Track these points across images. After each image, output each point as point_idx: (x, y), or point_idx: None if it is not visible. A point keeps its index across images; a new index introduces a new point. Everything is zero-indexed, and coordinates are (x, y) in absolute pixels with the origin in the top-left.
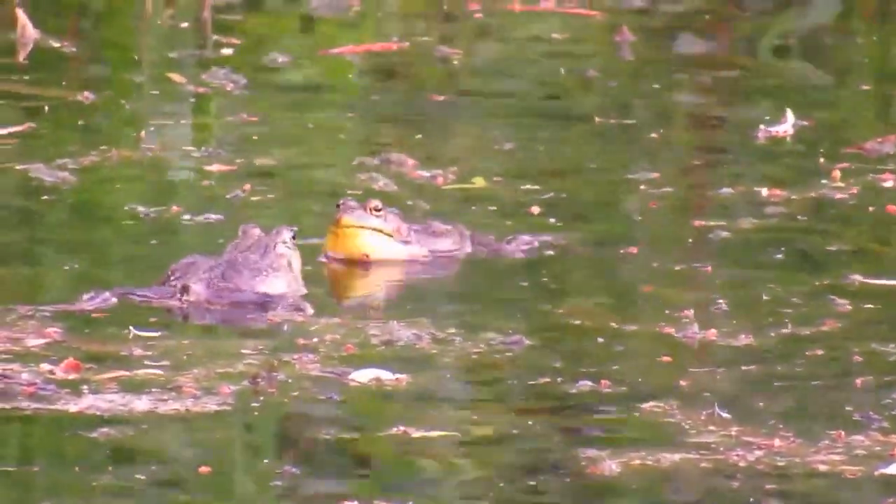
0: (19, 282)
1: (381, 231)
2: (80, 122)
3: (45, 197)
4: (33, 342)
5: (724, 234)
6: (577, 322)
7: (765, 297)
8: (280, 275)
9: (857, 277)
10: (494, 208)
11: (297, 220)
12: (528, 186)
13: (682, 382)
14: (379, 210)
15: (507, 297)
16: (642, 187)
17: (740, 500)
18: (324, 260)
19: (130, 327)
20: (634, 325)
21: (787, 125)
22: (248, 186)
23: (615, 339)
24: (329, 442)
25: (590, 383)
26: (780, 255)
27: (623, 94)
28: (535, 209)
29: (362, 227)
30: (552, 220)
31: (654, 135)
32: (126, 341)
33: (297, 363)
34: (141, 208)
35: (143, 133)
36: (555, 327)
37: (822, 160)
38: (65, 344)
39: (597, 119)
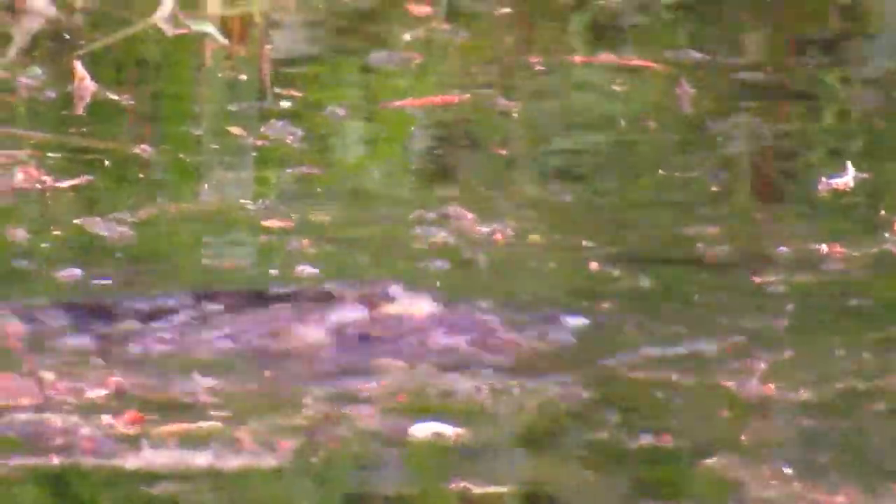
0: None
1: None
2: (137, 175)
3: (103, 250)
4: (94, 392)
5: (783, 288)
6: (637, 376)
7: (825, 352)
8: None
9: None
10: (554, 265)
11: (353, 274)
12: (587, 243)
13: (743, 437)
14: None
15: (566, 350)
16: (704, 241)
17: None
18: None
19: (194, 373)
20: (694, 379)
21: (848, 177)
22: (306, 241)
23: (675, 393)
24: (389, 497)
25: (650, 437)
26: (839, 310)
27: (683, 146)
28: (594, 265)
29: None
30: (616, 273)
31: (714, 188)
32: (188, 389)
33: (356, 416)
34: (199, 262)
35: (201, 186)
36: (614, 381)
37: (882, 213)
38: (127, 393)
39: (659, 171)
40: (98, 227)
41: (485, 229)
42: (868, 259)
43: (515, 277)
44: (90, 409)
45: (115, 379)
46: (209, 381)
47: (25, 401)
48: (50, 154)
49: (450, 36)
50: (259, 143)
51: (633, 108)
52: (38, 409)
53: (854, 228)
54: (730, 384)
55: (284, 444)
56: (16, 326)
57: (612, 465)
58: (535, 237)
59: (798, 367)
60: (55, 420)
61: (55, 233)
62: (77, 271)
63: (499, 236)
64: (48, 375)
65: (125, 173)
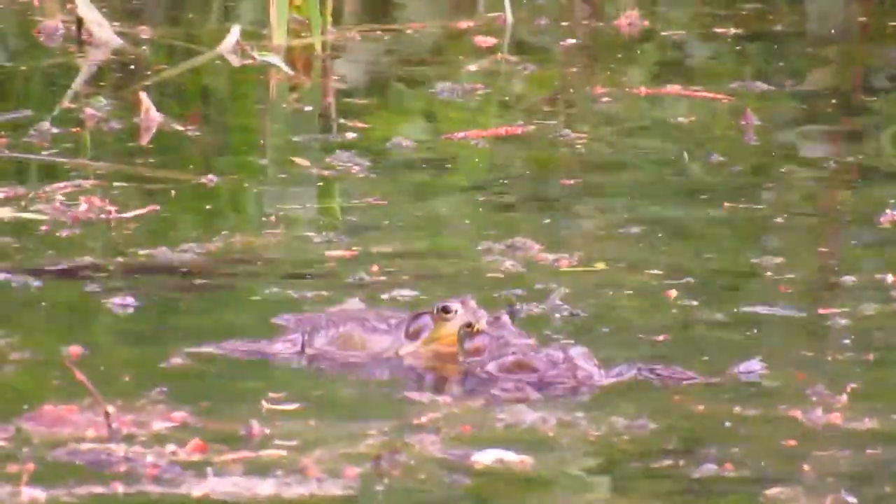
0: (146, 366)
1: None
2: (203, 206)
3: (169, 280)
4: (160, 425)
5: (848, 319)
6: (701, 407)
7: (890, 383)
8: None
9: None
10: (631, 292)
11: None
12: (655, 271)
13: (807, 466)
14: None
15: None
16: (769, 273)
17: None
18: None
19: (263, 402)
20: (758, 409)
21: None
22: (375, 267)
23: (739, 424)
24: None
25: (714, 467)
26: None
27: (749, 178)
28: (673, 293)
29: None
30: (688, 303)
31: (779, 220)
32: (253, 419)
33: (419, 444)
34: (265, 291)
35: (267, 217)
36: (678, 412)
37: None
38: (192, 426)
39: (726, 204)
40: (165, 256)
41: (551, 257)
42: None
43: (599, 311)
44: (155, 441)
45: (180, 413)
46: (275, 406)
47: (91, 433)
48: (116, 184)
49: (514, 67)
50: (325, 173)
51: (699, 139)
52: (104, 440)
53: None
54: (794, 415)
55: (350, 471)
56: (77, 349)
57: (675, 494)
58: (600, 265)
59: (863, 397)
60: (119, 450)
61: (120, 260)
62: (130, 299)
63: (564, 264)
64: (112, 409)
65: (191, 203)
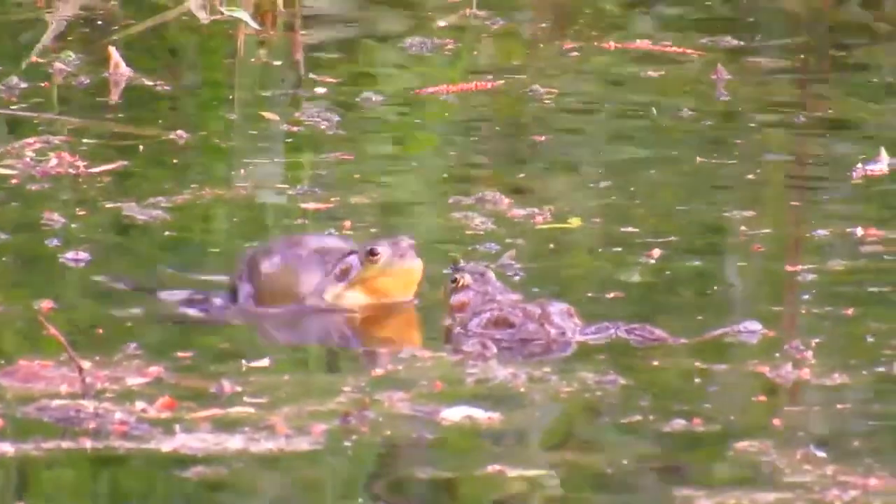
0: (118, 321)
1: None
2: (172, 161)
3: (138, 235)
4: (133, 381)
5: (819, 274)
6: (670, 363)
7: (859, 337)
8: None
9: None
10: (620, 249)
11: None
12: (630, 228)
13: (776, 421)
14: None
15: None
16: (742, 227)
17: None
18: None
19: (243, 361)
20: (727, 364)
21: (883, 164)
22: (347, 223)
23: (708, 379)
24: (423, 481)
25: (683, 422)
26: (875, 296)
27: (719, 133)
28: (657, 251)
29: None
30: (658, 259)
31: (751, 175)
32: (224, 378)
33: (388, 401)
34: (234, 245)
35: (236, 171)
36: (647, 368)
37: None
38: (165, 381)
39: (698, 159)
40: (133, 211)
41: (522, 212)
42: None
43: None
44: (127, 398)
45: (155, 369)
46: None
47: (65, 388)
48: (85, 139)
49: (483, 22)
50: (294, 128)
51: (669, 95)
52: (77, 396)
53: (889, 214)
54: (763, 370)
55: (318, 427)
56: (48, 303)
57: (645, 448)
58: (574, 221)
59: (831, 352)
60: (90, 406)
61: (83, 215)
62: (83, 254)
63: (538, 220)
64: (86, 364)
65: (160, 159)
